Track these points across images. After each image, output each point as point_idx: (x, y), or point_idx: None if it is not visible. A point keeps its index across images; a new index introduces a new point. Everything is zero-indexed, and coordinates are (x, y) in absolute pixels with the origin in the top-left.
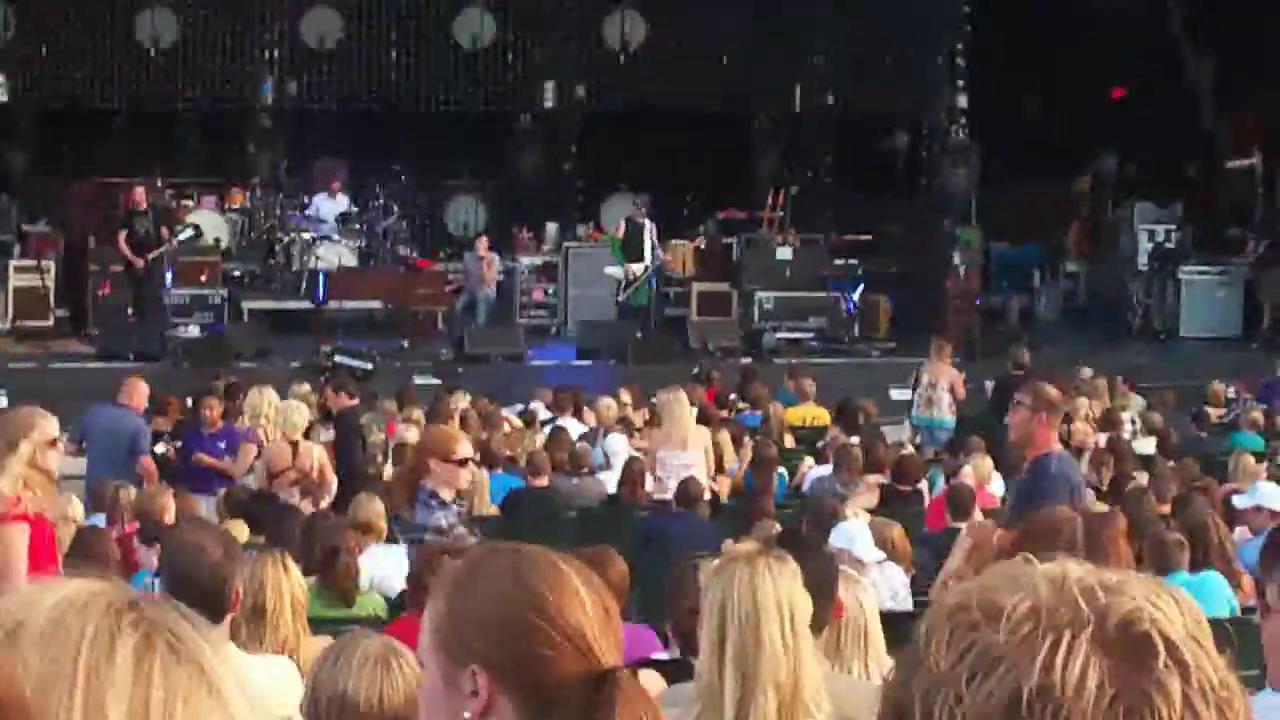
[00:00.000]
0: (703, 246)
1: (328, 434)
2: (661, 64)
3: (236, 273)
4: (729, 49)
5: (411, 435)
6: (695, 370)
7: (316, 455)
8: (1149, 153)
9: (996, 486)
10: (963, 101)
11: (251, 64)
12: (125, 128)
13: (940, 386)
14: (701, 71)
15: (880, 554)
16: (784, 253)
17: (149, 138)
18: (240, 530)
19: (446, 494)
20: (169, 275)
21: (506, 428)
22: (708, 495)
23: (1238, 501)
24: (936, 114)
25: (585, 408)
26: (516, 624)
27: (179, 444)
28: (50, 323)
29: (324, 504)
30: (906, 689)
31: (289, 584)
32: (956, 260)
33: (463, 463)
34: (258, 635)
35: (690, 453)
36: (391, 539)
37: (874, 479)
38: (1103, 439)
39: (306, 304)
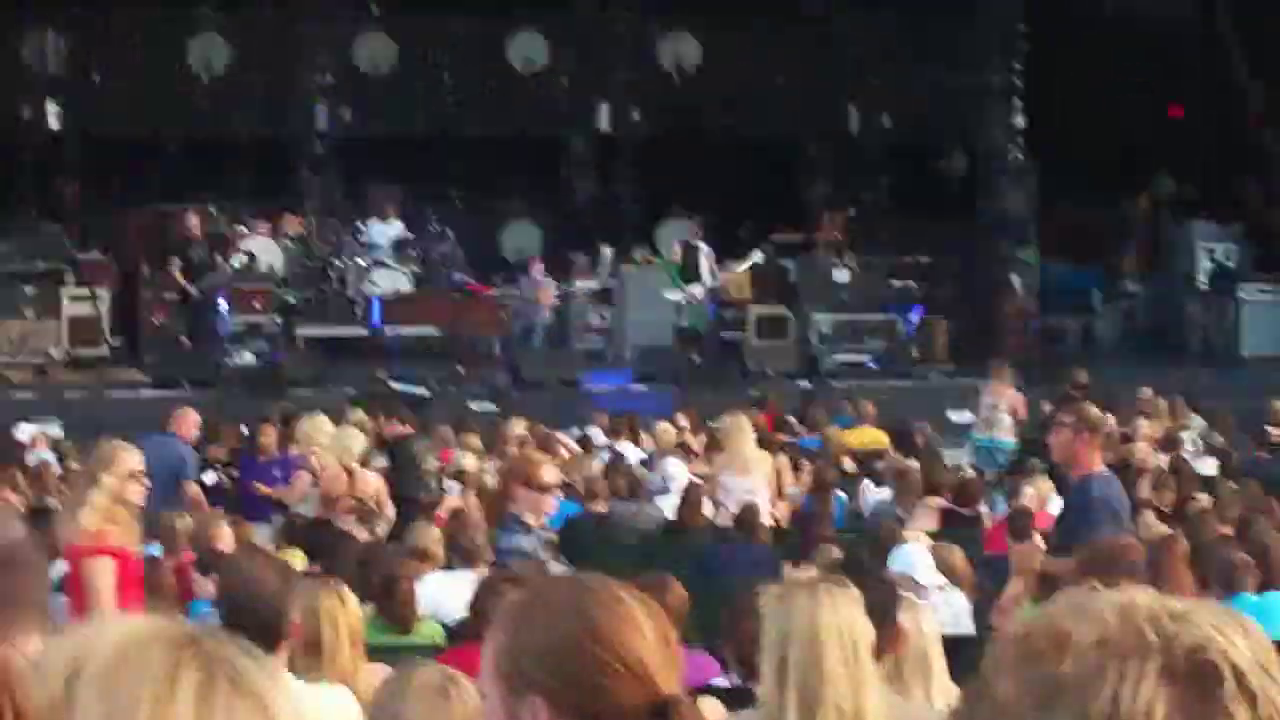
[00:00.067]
0: (761, 261)
1: (383, 461)
2: (716, 86)
3: (291, 300)
4: (784, 71)
5: (469, 462)
6: (753, 394)
7: (373, 483)
8: (1207, 172)
9: (1057, 508)
10: (1020, 122)
11: (304, 90)
12: (178, 155)
13: (1001, 408)
14: (757, 94)
15: (941, 578)
16: (841, 275)
17: (202, 165)
18: (297, 559)
19: (531, 519)
20: (223, 303)
21: (563, 453)
22: (768, 521)
23: None
24: (993, 135)
25: (642, 433)
26: (577, 654)
27: (235, 472)
28: (104, 351)
29: (380, 531)
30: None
31: (345, 614)
32: (1014, 282)
33: (548, 489)
34: (314, 666)
35: (753, 478)
36: (450, 565)
37: (934, 502)
38: (1164, 460)
39: (361, 331)
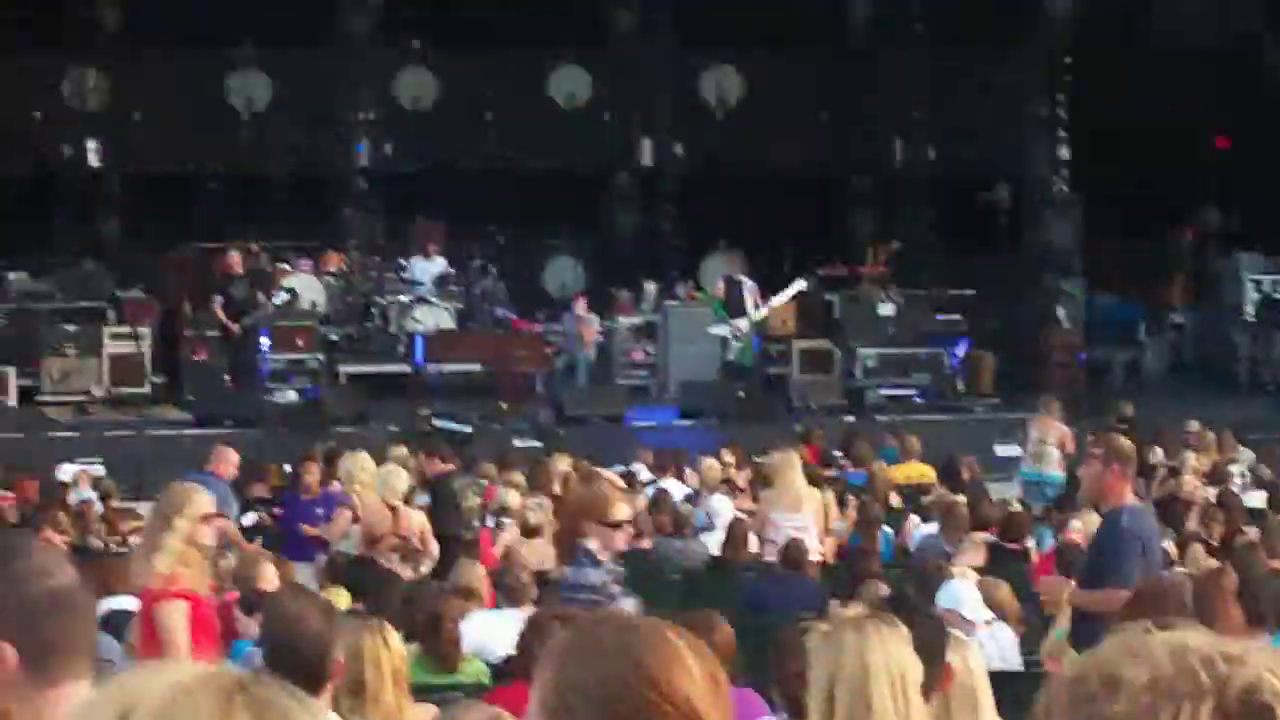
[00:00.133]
0: (805, 289)
1: (426, 499)
2: (760, 121)
3: (333, 337)
4: (828, 104)
5: (512, 499)
6: (798, 429)
7: (417, 520)
8: (1253, 204)
9: None
10: (1065, 154)
11: (345, 126)
12: (219, 192)
13: (1049, 442)
14: (800, 128)
15: (989, 614)
16: (886, 309)
17: (243, 202)
18: (341, 597)
19: (604, 555)
20: (265, 340)
21: (602, 489)
22: (816, 557)
23: None
24: (1038, 167)
25: (687, 469)
26: (625, 695)
27: (278, 511)
28: (146, 389)
29: (424, 569)
30: None
31: (388, 656)
32: (1060, 314)
33: (618, 525)
34: (358, 707)
35: (803, 514)
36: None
37: (980, 537)
38: (1212, 493)
39: (404, 367)
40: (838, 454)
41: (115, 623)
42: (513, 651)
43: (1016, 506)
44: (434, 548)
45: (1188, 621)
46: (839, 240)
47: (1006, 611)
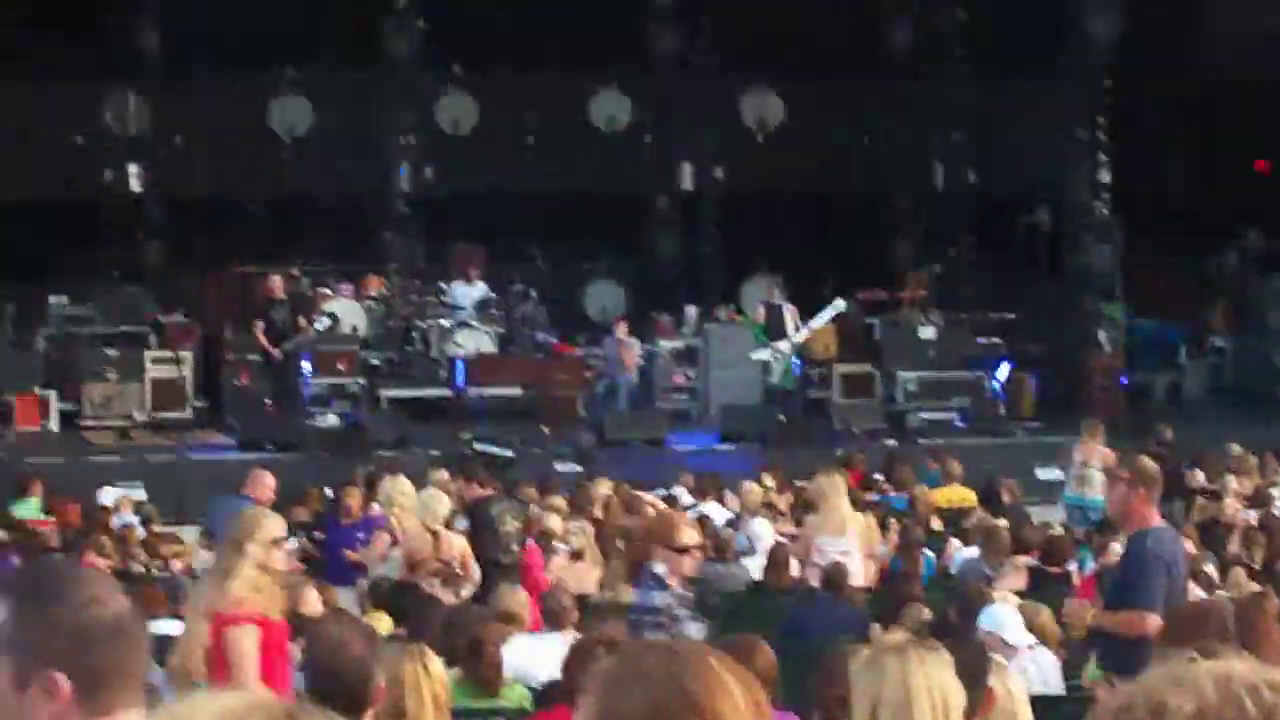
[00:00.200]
0: (844, 310)
1: (466, 523)
2: (800, 144)
3: (374, 361)
4: (868, 127)
5: (553, 523)
6: (839, 453)
7: (458, 545)
8: None
9: None
10: (1105, 177)
11: (386, 150)
12: (260, 216)
13: (1093, 466)
14: (840, 151)
15: (1031, 638)
16: (927, 332)
17: (284, 226)
18: (382, 623)
19: (672, 579)
20: (306, 364)
21: (650, 513)
22: (860, 581)
23: None
24: (1079, 190)
25: (728, 493)
26: None
27: (319, 535)
28: (188, 414)
29: (465, 594)
30: None
31: (429, 682)
32: (1101, 338)
33: (686, 550)
34: None
35: (847, 538)
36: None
37: (1022, 560)
38: (1253, 516)
39: (445, 391)
40: (879, 478)
41: (158, 647)
42: (555, 676)
43: (1058, 530)
44: (475, 572)
45: (1230, 645)
46: (879, 263)
47: (1048, 635)
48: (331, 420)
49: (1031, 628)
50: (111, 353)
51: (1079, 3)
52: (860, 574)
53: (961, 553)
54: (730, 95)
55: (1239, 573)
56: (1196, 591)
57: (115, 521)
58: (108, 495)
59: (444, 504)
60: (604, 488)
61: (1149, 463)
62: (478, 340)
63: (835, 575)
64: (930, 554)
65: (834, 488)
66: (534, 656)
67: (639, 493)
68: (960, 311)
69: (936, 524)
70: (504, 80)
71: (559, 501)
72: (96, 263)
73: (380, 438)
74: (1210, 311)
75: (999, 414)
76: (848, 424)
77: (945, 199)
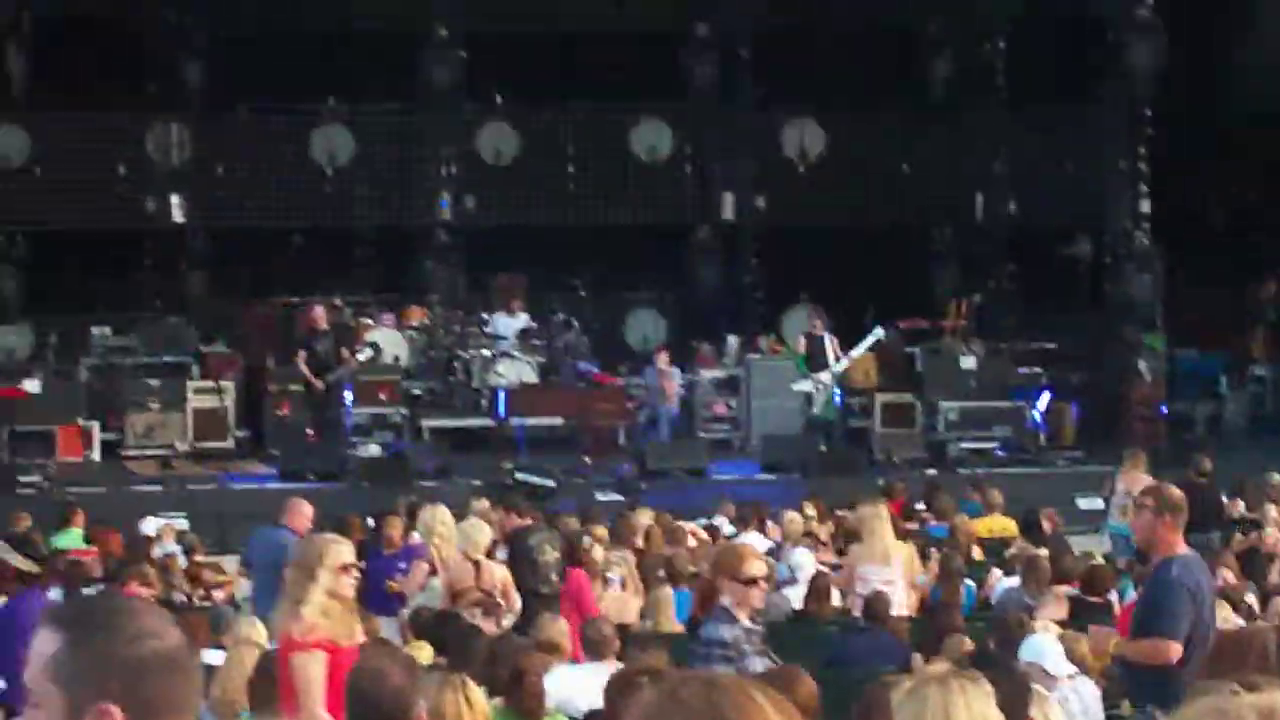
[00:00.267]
0: (883, 339)
1: (505, 553)
2: (841, 174)
3: (416, 391)
4: (909, 158)
5: (596, 553)
6: (880, 483)
7: (499, 574)
8: None
9: None
10: (1146, 207)
11: (428, 180)
12: (302, 247)
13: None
14: (881, 182)
15: (1071, 667)
16: (968, 362)
17: (326, 256)
18: (424, 652)
19: (741, 613)
20: (348, 394)
21: (691, 542)
22: (902, 610)
23: None
24: (1119, 220)
25: (769, 522)
26: None
27: (361, 564)
28: (230, 444)
29: (506, 624)
30: None
31: (471, 713)
32: (1141, 367)
33: (753, 581)
34: None
35: (891, 568)
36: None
37: (1063, 590)
38: None
39: (487, 421)
40: (920, 507)
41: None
42: (596, 706)
43: (1099, 559)
44: (516, 602)
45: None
46: (920, 293)
47: (1089, 665)
48: (373, 450)
49: (1072, 657)
50: (154, 383)
51: (1119, 34)
52: (904, 604)
53: (1002, 582)
54: (771, 126)
55: (1279, 602)
56: (1237, 621)
57: (157, 551)
58: (150, 525)
59: (485, 534)
60: (645, 517)
61: (1174, 490)
62: (519, 370)
63: (877, 605)
64: (971, 584)
65: (878, 517)
66: (576, 686)
67: (680, 522)
68: (1000, 341)
69: (977, 554)
70: (545, 110)
71: (600, 531)
72: (139, 293)
73: (422, 467)
74: (1250, 341)
75: (1039, 443)
76: (888, 453)
77: (986, 229)
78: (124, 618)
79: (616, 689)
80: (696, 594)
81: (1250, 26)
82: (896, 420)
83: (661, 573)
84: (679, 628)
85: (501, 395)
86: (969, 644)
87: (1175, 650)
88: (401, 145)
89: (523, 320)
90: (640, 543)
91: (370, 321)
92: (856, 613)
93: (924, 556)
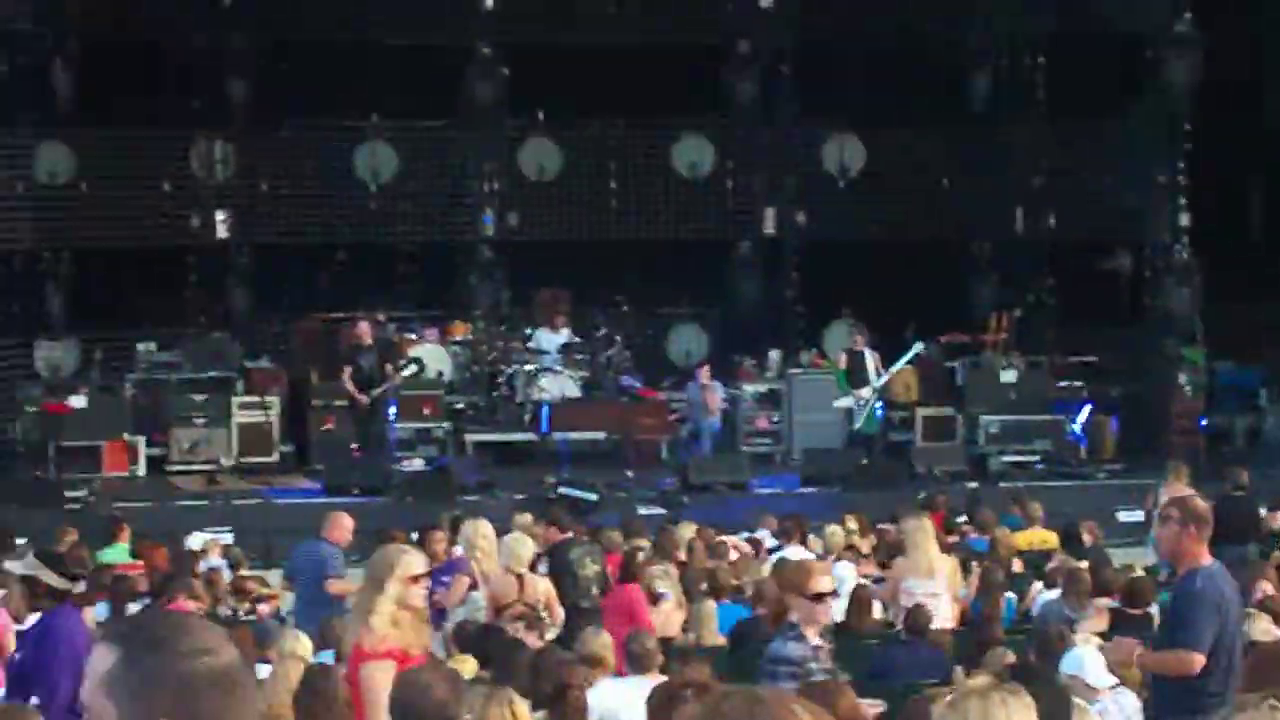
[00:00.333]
0: (922, 352)
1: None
2: (881, 189)
3: (460, 405)
4: (949, 172)
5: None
6: (921, 496)
7: (543, 588)
8: None
9: None
10: (1186, 220)
11: (471, 196)
12: (346, 263)
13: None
14: (921, 196)
15: (1112, 679)
16: (1008, 376)
17: (370, 272)
18: (467, 666)
19: (810, 630)
20: (392, 409)
21: (733, 555)
22: (947, 623)
23: None
24: (1159, 233)
25: (811, 535)
26: None
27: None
28: (274, 459)
29: (549, 637)
30: None
31: None
32: (1181, 380)
33: (819, 598)
34: None
35: (935, 581)
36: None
37: (1103, 602)
38: None
39: (530, 436)
40: (960, 520)
41: None
42: None
43: (1139, 572)
44: (560, 615)
45: None
46: (960, 307)
47: (1130, 677)
48: (417, 464)
49: (1113, 670)
50: (199, 398)
51: (1159, 47)
52: (948, 617)
53: (1043, 595)
54: (812, 141)
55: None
56: (1275, 632)
57: (202, 566)
58: (195, 540)
59: (528, 547)
60: (687, 531)
61: (1199, 502)
62: (562, 385)
63: (918, 617)
64: (1012, 596)
65: (923, 531)
66: (619, 700)
67: (722, 536)
68: (1040, 355)
69: (1018, 566)
70: (587, 126)
71: (643, 544)
72: (184, 309)
73: (465, 482)
74: None
75: (1080, 457)
76: (929, 466)
77: (1025, 243)
78: (179, 634)
79: (659, 702)
80: (767, 612)
81: None
82: (937, 434)
83: (704, 586)
84: (722, 641)
85: (545, 410)
86: (1010, 656)
87: (1198, 661)
88: (445, 161)
89: (565, 335)
90: (682, 556)
91: (414, 337)
92: (899, 626)
93: (965, 570)
